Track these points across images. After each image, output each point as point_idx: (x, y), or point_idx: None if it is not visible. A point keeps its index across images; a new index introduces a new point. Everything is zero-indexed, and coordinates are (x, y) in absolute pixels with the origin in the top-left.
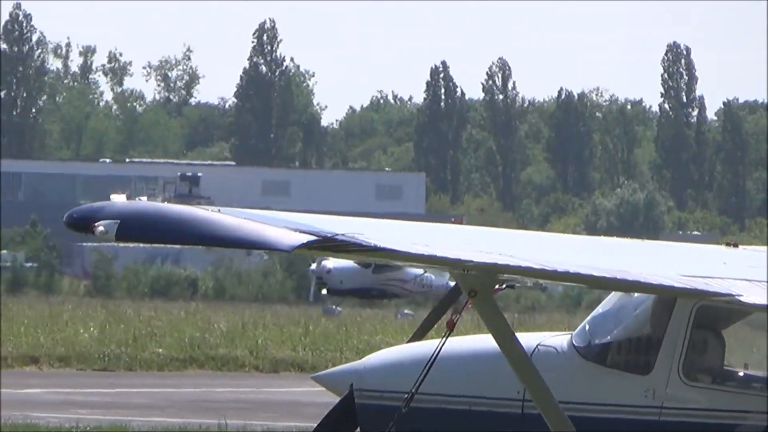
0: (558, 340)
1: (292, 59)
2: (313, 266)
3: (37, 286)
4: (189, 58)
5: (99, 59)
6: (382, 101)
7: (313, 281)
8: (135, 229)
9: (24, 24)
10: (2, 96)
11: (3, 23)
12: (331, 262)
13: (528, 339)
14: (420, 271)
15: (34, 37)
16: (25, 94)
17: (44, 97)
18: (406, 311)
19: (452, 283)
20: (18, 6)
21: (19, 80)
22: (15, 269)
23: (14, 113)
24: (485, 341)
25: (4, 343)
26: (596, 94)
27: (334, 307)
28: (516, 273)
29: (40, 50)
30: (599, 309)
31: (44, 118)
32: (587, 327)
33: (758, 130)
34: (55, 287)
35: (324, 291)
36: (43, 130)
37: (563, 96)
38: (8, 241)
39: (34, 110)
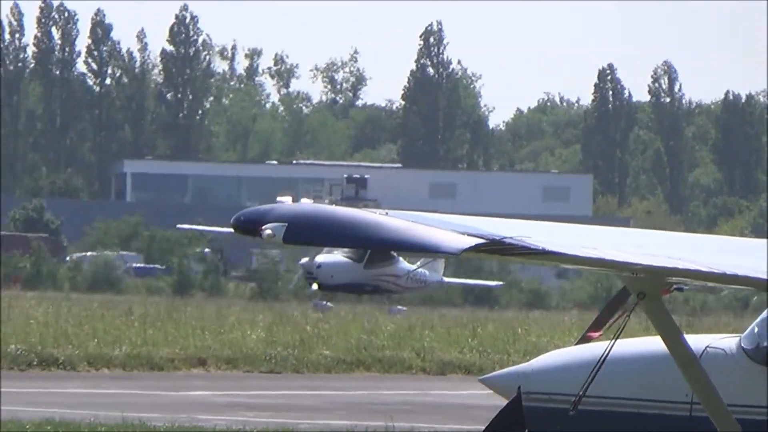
0: (726, 342)
1: (459, 62)
2: (304, 260)
3: (204, 288)
4: (356, 60)
5: (265, 62)
6: (549, 103)
7: (297, 274)
8: (303, 232)
9: (190, 26)
10: (169, 98)
11: (170, 25)
12: (322, 257)
13: (696, 341)
14: (411, 266)
15: (201, 39)
16: (191, 96)
17: (210, 99)
18: (399, 307)
19: (446, 279)
20: (185, 8)
21: (185, 82)
22: (182, 271)
23: (180, 115)
24: (653, 343)
25: (171, 345)
26: (764, 96)
27: (324, 302)
28: (684, 276)
29: (206, 52)
30: None
31: (210, 120)
32: (756, 329)
33: None
34: (222, 289)
35: (314, 286)
36: (209, 132)
37: (730, 98)
38: (174, 243)
39: (200, 112)
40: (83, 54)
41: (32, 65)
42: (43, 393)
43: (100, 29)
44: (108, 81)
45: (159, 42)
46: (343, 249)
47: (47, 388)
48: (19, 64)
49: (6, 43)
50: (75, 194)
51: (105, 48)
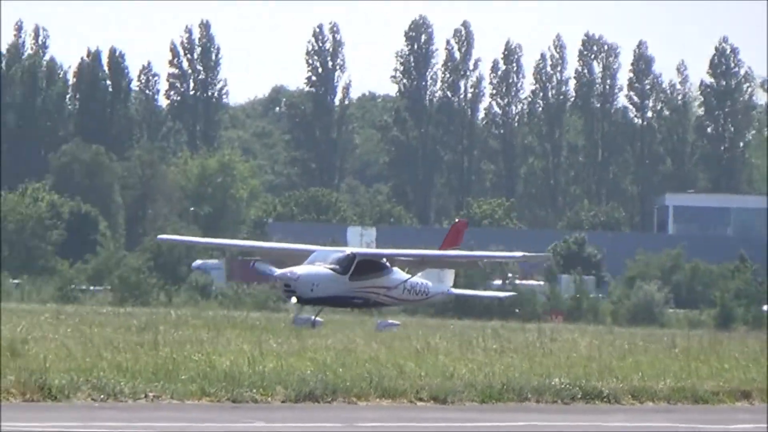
0: None
1: None
2: (280, 271)
3: (746, 320)
4: None
5: None
6: None
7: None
8: None
9: (731, 58)
10: (709, 130)
11: (710, 57)
12: (301, 268)
13: None
14: (406, 275)
15: (742, 72)
16: (732, 129)
17: (752, 132)
18: (390, 321)
19: (453, 291)
20: (725, 40)
21: (726, 114)
22: (724, 304)
23: (722, 148)
24: None
25: (715, 377)
26: None
27: (313, 317)
28: None
29: (748, 84)
30: None
31: (752, 153)
32: None
33: None
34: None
35: (293, 300)
36: (751, 164)
37: None
38: (717, 277)
39: (741, 144)
40: (625, 87)
41: (573, 98)
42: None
43: (642, 62)
44: (649, 114)
45: (699, 74)
46: (332, 260)
47: (591, 421)
48: (561, 97)
49: (548, 76)
50: (616, 227)
51: (646, 81)
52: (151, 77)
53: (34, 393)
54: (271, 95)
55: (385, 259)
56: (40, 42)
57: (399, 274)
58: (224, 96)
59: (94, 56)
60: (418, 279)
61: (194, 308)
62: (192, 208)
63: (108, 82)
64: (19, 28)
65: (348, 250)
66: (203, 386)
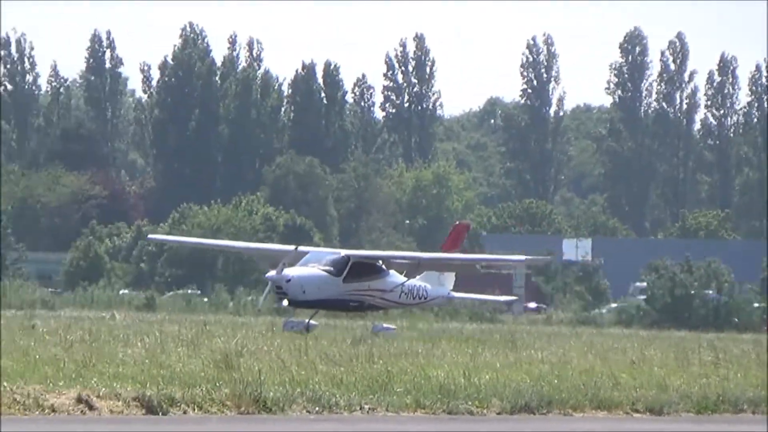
0: None
1: None
2: (272, 273)
3: None
4: None
5: None
6: None
7: (266, 289)
8: None
9: None
10: None
11: None
12: (293, 270)
13: None
14: (401, 278)
15: None
16: None
17: None
18: (386, 325)
19: (454, 294)
20: None
21: None
22: None
23: None
24: None
25: None
26: None
27: (306, 321)
28: None
29: None
30: None
31: None
32: None
33: None
34: None
35: (285, 302)
36: None
37: None
38: None
39: None
40: None
41: None
42: None
43: None
44: None
45: None
46: (326, 262)
47: None
48: None
49: (763, 87)
50: None
51: None
52: (365, 90)
53: (250, 405)
54: (486, 107)
55: (381, 262)
56: (254, 55)
57: (395, 277)
58: (439, 108)
59: (309, 69)
60: (417, 282)
61: (410, 320)
62: (407, 221)
63: (322, 94)
64: (233, 42)
65: (342, 252)
66: (418, 398)
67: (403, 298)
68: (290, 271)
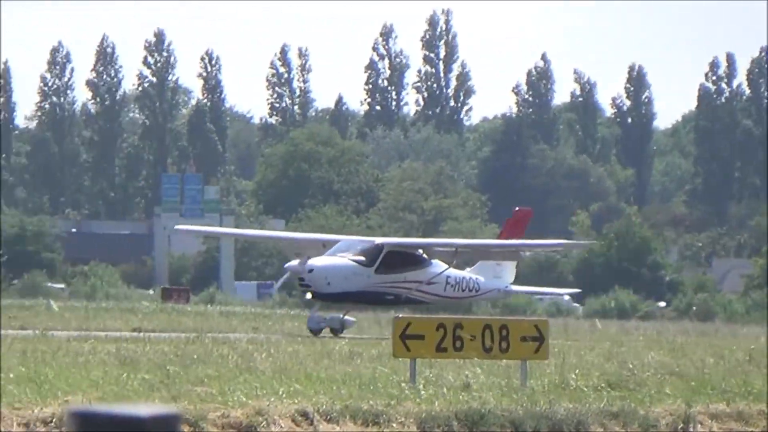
0: None
1: None
2: (293, 263)
3: None
4: None
5: None
6: None
7: (282, 277)
8: None
9: None
10: None
11: None
12: (317, 260)
13: None
14: (442, 266)
15: None
16: None
17: None
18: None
19: (513, 288)
20: None
21: None
22: None
23: None
24: None
25: None
26: None
27: (337, 316)
28: None
29: None
30: None
31: None
32: None
33: None
34: None
35: (308, 295)
36: None
37: None
38: None
39: None
40: None
41: None
42: None
43: None
44: None
45: None
46: (356, 250)
47: None
48: None
49: None
50: None
51: None
52: None
53: None
54: None
55: (421, 250)
56: None
57: (438, 267)
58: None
59: None
60: (468, 273)
61: None
62: None
63: None
64: None
65: (377, 240)
66: None
67: (449, 290)
68: (314, 261)
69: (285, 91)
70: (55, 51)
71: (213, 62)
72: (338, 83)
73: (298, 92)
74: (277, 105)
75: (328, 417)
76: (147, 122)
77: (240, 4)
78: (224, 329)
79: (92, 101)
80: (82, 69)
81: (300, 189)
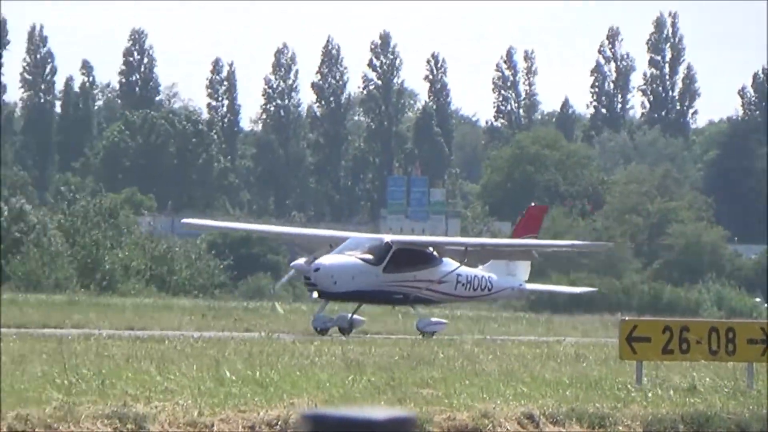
0: None
1: None
2: (299, 261)
3: None
4: None
5: None
6: None
7: (287, 275)
8: None
9: None
10: None
11: None
12: (323, 258)
13: None
14: (453, 264)
15: None
16: None
17: None
18: (433, 320)
19: (527, 286)
20: None
21: None
22: None
23: None
24: None
25: None
26: None
27: (349, 315)
28: None
29: None
30: None
31: None
32: None
33: None
34: None
35: (314, 295)
36: None
37: None
38: None
39: None
40: None
41: None
42: None
43: None
44: None
45: None
46: (364, 248)
47: None
48: None
49: None
50: None
51: None
52: None
53: None
54: None
55: (432, 249)
56: None
57: (449, 266)
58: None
59: None
60: (480, 272)
61: None
62: None
63: None
64: None
65: (386, 237)
66: None
67: (460, 289)
68: (320, 260)
69: (511, 94)
70: (279, 53)
71: (439, 65)
72: (564, 86)
73: (523, 95)
74: (503, 108)
75: (554, 419)
76: (372, 125)
77: (466, 5)
78: (450, 332)
79: (317, 104)
80: (307, 71)
81: (525, 191)
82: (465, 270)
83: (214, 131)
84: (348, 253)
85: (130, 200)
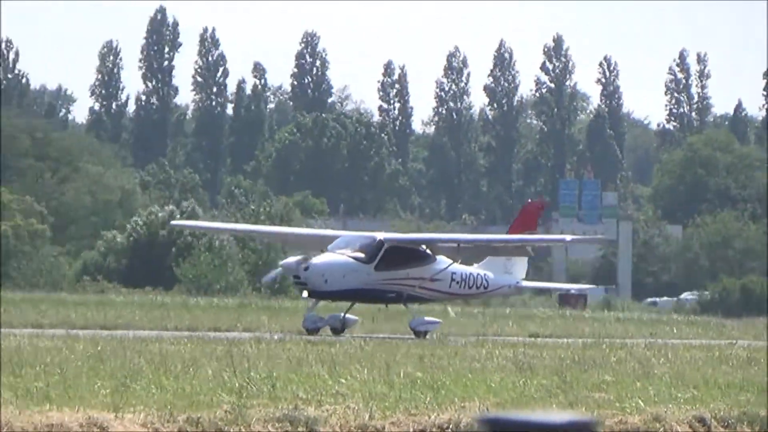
0: None
1: None
2: (289, 260)
3: None
4: None
5: None
6: None
7: (275, 271)
8: None
9: None
10: None
11: None
12: (320, 257)
13: None
14: (447, 260)
15: None
16: None
17: None
18: (427, 318)
19: (523, 283)
20: None
21: None
22: None
23: None
24: None
25: None
26: None
27: (342, 314)
28: None
29: None
30: None
31: None
32: None
33: None
34: None
35: (305, 294)
36: None
37: None
38: None
39: None
40: None
41: None
42: None
43: None
44: None
45: None
46: (355, 247)
47: None
48: None
49: None
50: None
51: None
52: None
53: None
54: None
55: (424, 246)
56: None
57: (442, 263)
58: None
59: None
60: (476, 270)
61: None
62: None
63: None
64: None
65: (378, 235)
66: None
67: (455, 287)
68: (310, 258)
69: (683, 96)
70: (451, 56)
71: (611, 68)
72: (737, 88)
73: (696, 98)
74: (675, 111)
75: (725, 423)
76: (544, 128)
77: (638, 7)
78: (620, 335)
79: (489, 106)
80: (479, 74)
81: (697, 194)
82: (460, 268)
83: (385, 133)
84: (339, 251)
85: (301, 204)
